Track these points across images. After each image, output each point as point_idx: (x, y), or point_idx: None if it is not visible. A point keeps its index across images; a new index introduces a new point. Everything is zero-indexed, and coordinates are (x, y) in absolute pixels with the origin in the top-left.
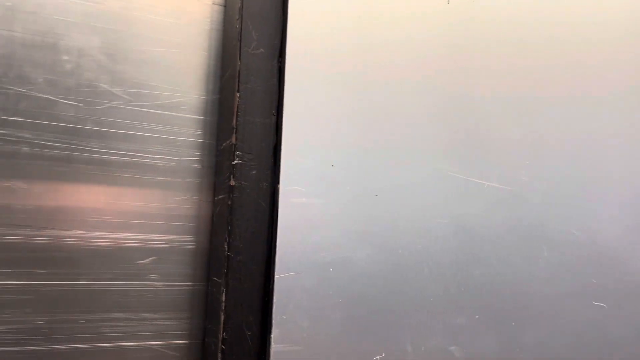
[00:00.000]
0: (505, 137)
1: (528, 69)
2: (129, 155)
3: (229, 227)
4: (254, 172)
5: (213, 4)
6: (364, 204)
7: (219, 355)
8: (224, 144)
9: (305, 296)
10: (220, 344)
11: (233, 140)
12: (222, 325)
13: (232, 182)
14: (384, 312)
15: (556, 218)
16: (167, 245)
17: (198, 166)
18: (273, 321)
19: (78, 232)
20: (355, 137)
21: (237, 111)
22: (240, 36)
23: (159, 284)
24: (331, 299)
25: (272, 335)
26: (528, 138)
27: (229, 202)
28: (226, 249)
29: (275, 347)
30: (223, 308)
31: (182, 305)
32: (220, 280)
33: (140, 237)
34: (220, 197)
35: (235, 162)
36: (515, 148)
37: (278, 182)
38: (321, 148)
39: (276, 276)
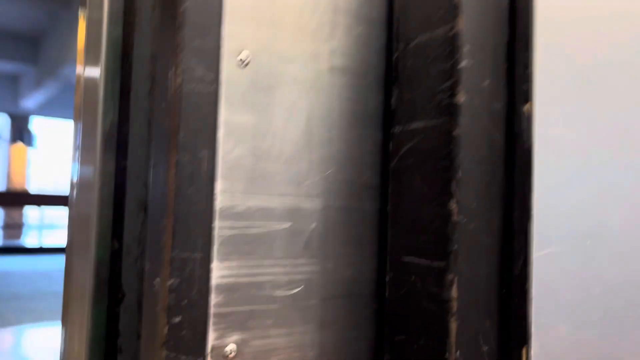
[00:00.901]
0: None
1: None
2: None
3: (457, 175)
4: (486, 82)
5: None
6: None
7: None
8: (423, 38)
9: (566, 285)
10: None
11: (459, 26)
12: (453, 338)
13: (461, 98)
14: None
15: None
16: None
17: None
18: (532, 328)
19: None
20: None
21: None
22: None
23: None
24: (591, 287)
25: (531, 352)
26: None
27: (454, 132)
28: (455, 210)
29: None
30: (454, 309)
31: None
32: (440, 264)
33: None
34: (417, 126)
35: (464, 63)
36: None
37: (527, 100)
38: (584, 50)
39: (534, 254)
